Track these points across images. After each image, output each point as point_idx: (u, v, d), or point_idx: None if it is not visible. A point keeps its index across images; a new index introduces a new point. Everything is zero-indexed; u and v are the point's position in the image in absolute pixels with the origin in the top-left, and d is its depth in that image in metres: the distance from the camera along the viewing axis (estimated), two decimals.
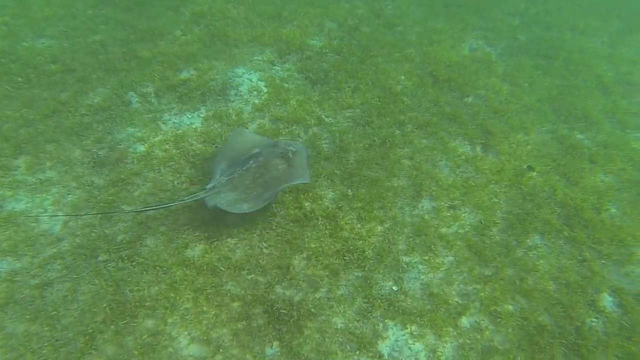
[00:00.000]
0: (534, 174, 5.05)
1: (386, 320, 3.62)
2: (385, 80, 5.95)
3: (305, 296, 3.70)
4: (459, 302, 3.81)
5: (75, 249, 3.89)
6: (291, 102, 5.49)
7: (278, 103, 5.46)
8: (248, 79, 5.72)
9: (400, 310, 3.68)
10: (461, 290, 3.90)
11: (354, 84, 5.84)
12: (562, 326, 3.75)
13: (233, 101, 5.44)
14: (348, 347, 3.45)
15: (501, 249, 4.24)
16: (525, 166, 5.13)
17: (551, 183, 4.94)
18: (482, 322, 3.71)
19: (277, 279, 3.79)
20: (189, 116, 5.23)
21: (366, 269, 3.93)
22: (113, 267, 3.79)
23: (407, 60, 6.47)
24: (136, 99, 5.37)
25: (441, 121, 5.51)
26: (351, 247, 4.04)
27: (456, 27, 7.46)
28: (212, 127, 5.07)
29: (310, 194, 4.44)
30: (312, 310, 3.61)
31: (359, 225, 4.24)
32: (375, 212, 4.35)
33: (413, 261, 4.05)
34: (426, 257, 4.08)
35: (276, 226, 4.17)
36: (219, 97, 5.46)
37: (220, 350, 3.34)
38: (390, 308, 3.70)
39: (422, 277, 3.95)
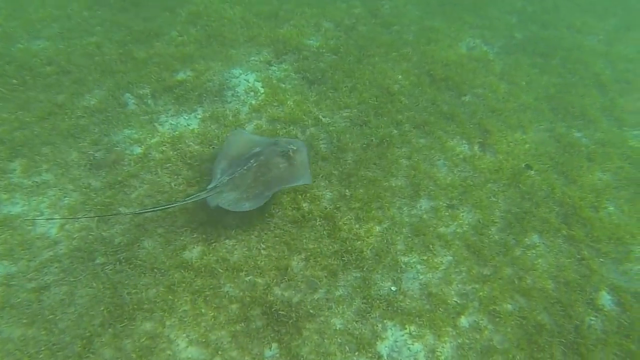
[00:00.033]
0: (532, 172, 5.05)
1: (385, 321, 3.62)
2: (382, 80, 5.94)
3: (303, 297, 3.69)
4: (458, 301, 3.80)
5: (72, 251, 3.87)
6: (288, 102, 5.47)
7: (275, 104, 5.44)
8: (245, 79, 5.70)
9: (399, 311, 3.68)
10: (460, 289, 3.89)
11: (351, 84, 5.83)
12: (561, 325, 3.75)
13: (230, 102, 5.42)
14: (347, 348, 3.44)
15: (500, 248, 4.24)
16: (523, 165, 5.13)
17: (549, 182, 4.94)
18: (481, 321, 3.70)
19: (275, 280, 3.78)
20: (186, 117, 5.21)
21: (365, 269, 3.92)
22: (110, 269, 3.78)
23: (404, 60, 6.46)
24: (133, 101, 5.35)
25: (439, 120, 5.51)
26: (349, 248, 4.03)
27: (453, 26, 7.45)
28: (209, 129, 5.05)
29: (308, 195, 4.43)
30: (311, 311, 3.60)
31: (357, 226, 4.23)
32: (373, 212, 4.34)
33: (411, 261, 4.04)
34: (425, 257, 4.08)
35: (274, 227, 4.16)
36: (215, 98, 5.44)
37: (219, 353, 3.33)
38: (389, 308, 3.69)
39: (421, 277, 3.94)
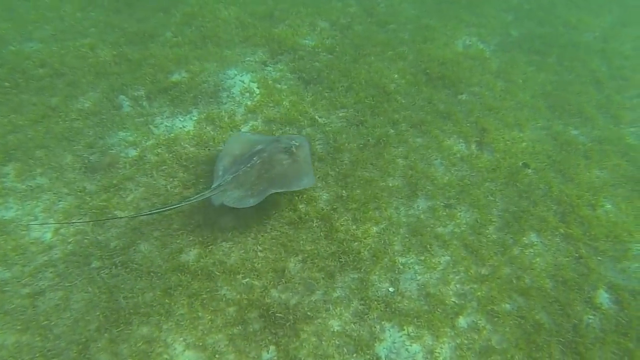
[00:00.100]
0: (530, 171, 5.04)
1: (383, 322, 3.60)
2: (378, 79, 5.92)
3: (301, 299, 3.68)
4: (456, 302, 3.79)
5: (67, 256, 3.84)
6: (284, 103, 5.45)
7: (271, 104, 5.41)
8: (240, 80, 5.66)
9: (397, 312, 3.66)
10: (458, 290, 3.88)
11: (347, 84, 5.80)
12: (559, 324, 3.74)
13: (225, 103, 5.38)
14: (345, 350, 3.42)
15: (498, 248, 4.23)
16: (520, 163, 5.11)
17: (547, 180, 4.93)
18: (479, 321, 3.69)
19: (272, 283, 3.76)
20: (181, 119, 5.18)
21: (362, 270, 3.91)
22: (106, 274, 3.75)
23: (400, 59, 6.44)
24: (127, 103, 5.31)
25: (435, 119, 5.49)
26: (347, 249, 4.02)
27: (449, 24, 7.43)
28: (205, 130, 5.02)
29: (304, 196, 4.41)
30: (309, 313, 3.59)
31: (354, 227, 4.21)
32: (370, 212, 4.32)
33: (409, 262, 4.02)
34: (422, 258, 4.06)
35: (271, 229, 4.14)
36: (211, 100, 5.41)
37: (217, 356, 3.31)
38: (387, 309, 3.67)
39: (419, 277, 3.93)
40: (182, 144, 4.85)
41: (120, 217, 4.12)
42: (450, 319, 3.68)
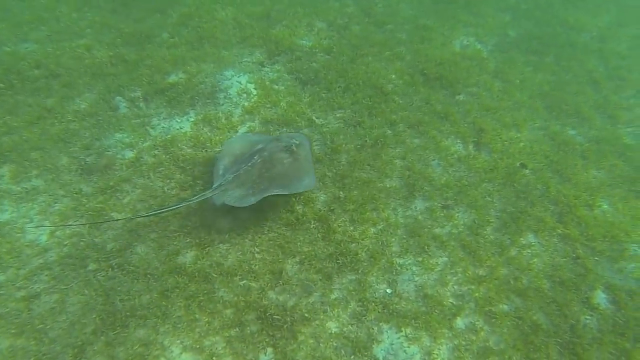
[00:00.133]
0: (527, 171, 5.04)
1: (381, 324, 3.60)
2: (376, 80, 5.91)
3: (298, 301, 3.67)
4: (454, 303, 3.79)
5: (63, 258, 3.82)
6: (281, 103, 5.43)
7: (268, 105, 5.40)
8: (237, 81, 5.64)
9: (395, 313, 3.66)
10: (456, 291, 3.88)
11: (344, 84, 5.79)
12: (556, 325, 3.74)
13: (222, 104, 5.37)
14: (343, 352, 3.42)
15: (495, 249, 4.22)
16: (518, 164, 5.12)
17: (544, 180, 4.93)
18: (477, 322, 3.69)
19: (270, 284, 3.75)
20: (178, 120, 5.16)
21: (360, 271, 3.90)
22: (103, 276, 3.73)
23: (397, 59, 6.43)
24: (124, 104, 5.28)
25: (433, 120, 5.48)
26: (344, 250, 4.01)
27: (446, 24, 7.42)
28: (202, 132, 5.00)
29: (301, 197, 4.39)
30: (306, 315, 3.58)
31: (351, 228, 4.20)
32: (367, 214, 4.32)
33: (407, 263, 4.02)
34: (420, 259, 4.06)
35: (268, 230, 4.12)
36: (208, 101, 5.39)
37: (214, 358, 3.30)
38: (385, 311, 3.67)
39: (416, 278, 3.92)
40: (179, 145, 4.83)
41: (126, 218, 4.09)
42: (448, 320, 3.67)
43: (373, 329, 3.56)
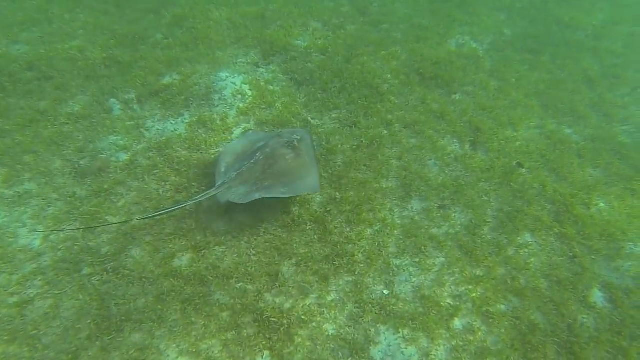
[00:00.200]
0: (524, 170, 5.04)
1: (378, 325, 3.58)
2: (371, 80, 5.89)
3: (295, 303, 3.64)
4: (451, 303, 3.78)
5: (57, 263, 3.78)
6: (276, 104, 5.40)
7: (263, 106, 5.37)
8: (232, 82, 5.61)
9: (392, 314, 3.64)
10: (453, 291, 3.87)
11: (340, 84, 5.77)
12: (554, 324, 3.74)
13: (217, 106, 5.33)
14: (340, 354, 3.40)
15: (492, 248, 4.22)
16: (514, 163, 5.11)
17: (541, 179, 4.93)
18: (474, 323, 3.68)
19: (266, 287, 3.73)
20: (173, 122, 5.12)
21: (356, 273, 3.88)
22: (97, 280, 3.69)
23: (393, 59, 6.41)
24: (118, 106, 5.24)
25: (429, 119, 5.47)
26: (341, 252, 3.99)
27: (442, 24, 7.42)
28: (197, 133, 4.97)
29: (298, 198, 4.37)
30: (303, 317, 3.55)
31: (348, 229, 4.18)
32: (364, 214, 4.30)
33: (404, 264, 4.00)
34: (417, 259, 4.04)
35: (264, 232, 4.10)
36: (202, 102, 5.35)
37: None
38: (382, 312, 3.65)
39: (414, 279, 3.91)
40: (174, 147, 4.79)
41: (130, 220, 4.06)
42: (446, 320, 3.66)
43: (370, 330, 3.54)
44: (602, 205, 4.78)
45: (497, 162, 5.05)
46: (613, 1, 9.01)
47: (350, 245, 4.05)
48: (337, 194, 4.46)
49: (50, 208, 4.19)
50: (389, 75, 6.07)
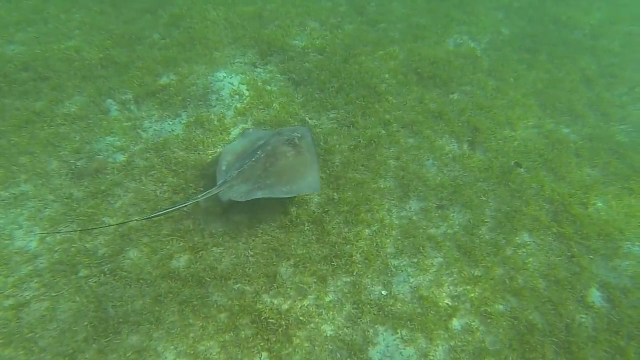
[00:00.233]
0: (522, 170, 5.04)
1: (376, 326, 3.57)
2: (369, 79, 5.88)
3: (293, 304, 3.64)
4: (449, 304, 3.77)
5: (53, 265, 3.76)
6: (274, 104, 5.39)
7: (261, 106, 5.35)
8: (229, 82, 5.59)
9: (390, 315, 3.63)
10: (451, 291, 3.86)
11: (337, 84, 5.76)
12: (552, 324, 3.74)
13: (214, 106, 5.31)
14: (338, 355, 3.39)
15: (490, 248, 4.21)
16: (512, 162, 5.11)
17: (538, 179, 4.93)
18: (473, 323, 3.68)
19: (264, 288, 3.72)
20: (170, 123, 5.10)
21: (354, 274, 3.87)
22: (94, 282, 3.67)
23: (391, 58, 6.40)
24: (115, 107, 5.22)
25: (427, 119, 5.47)
26: (339, 252, 3.98)
27: (440, 23, 7.41)
28: (194, 134, 4.95)
29: (295, 199, 4.36)
30: (301, 318, 3.55)
31: (346, 230, 4.17)
32: (362, 215, 4.29)
33: (402, 264, 4.00)
34: (415, 260, 4.04)
35: (262, 233, 4.09)
36: (200, 103, 5.33)
37: None
38: (380, 313, 3.64)
39: (412, 280, 3.90)
40: (171, 148, 4.77)
41: (132, 221, 4.04)
42: (444, 321, 3.66)
43: (368, 331, 3.54)
44: (600, 204, 4.79)
45: (495, 162, 5.05)
46: (610, 0, 9.02)
47: (348, 246, 4.04)
48: (335, 194, 4.45)
49: (46, 209, 4.17)
50: (387, 75, 6.06)
